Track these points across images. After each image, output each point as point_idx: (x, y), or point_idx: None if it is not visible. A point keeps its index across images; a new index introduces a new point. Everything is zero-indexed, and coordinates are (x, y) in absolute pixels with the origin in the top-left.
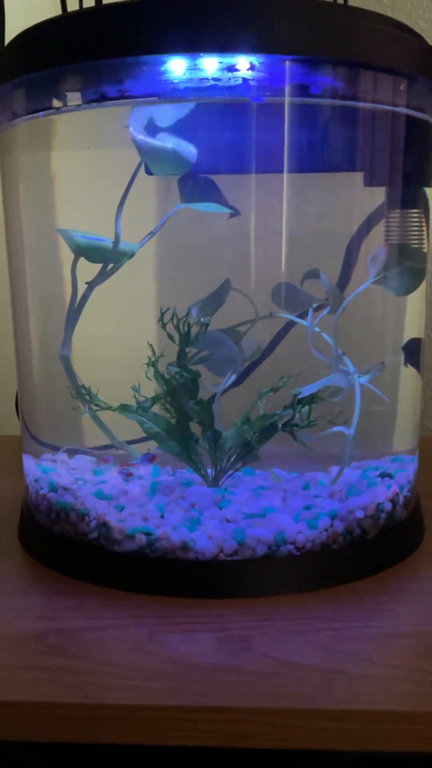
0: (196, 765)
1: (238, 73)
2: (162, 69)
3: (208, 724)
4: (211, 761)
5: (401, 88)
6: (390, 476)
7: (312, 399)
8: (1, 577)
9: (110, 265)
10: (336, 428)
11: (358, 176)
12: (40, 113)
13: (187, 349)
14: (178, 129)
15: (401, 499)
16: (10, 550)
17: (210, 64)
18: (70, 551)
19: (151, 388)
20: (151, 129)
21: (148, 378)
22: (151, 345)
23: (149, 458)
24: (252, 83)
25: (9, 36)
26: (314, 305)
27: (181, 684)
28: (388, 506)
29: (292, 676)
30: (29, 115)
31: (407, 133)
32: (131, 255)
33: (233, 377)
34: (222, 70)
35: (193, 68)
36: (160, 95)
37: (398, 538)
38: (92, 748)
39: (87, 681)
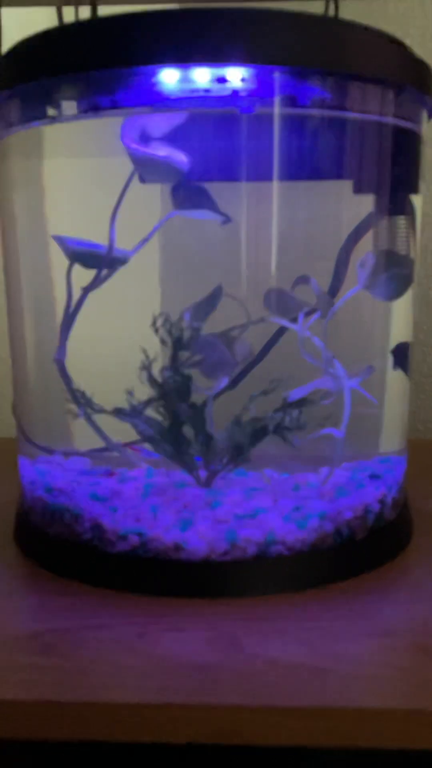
0: (188, 763)
1: (228, 84)
2: (154, 80)
3: (198, 722)
4: (201, 759)
5: (389, 98)
6: (378, 477)
7: (302, 402)
8: None
9: (104, 271)
10: (326, 430)
11: (347, 184)
12: (35, 122)
13: (180, 353)
14: (170, 138)
15: (389, 499)
16: (6, 551)
17: (201, 76)
18: (64, 552)
19: (145, 392)
20: (144, 138)
21: (142, 382)
22: (144, 349)
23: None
24: (242, 94)
25: (5, 46)
26: (305, 310)
27: (171, 682)
28: (377, 507)
29: (280, 674)
30: (24, 124)
31: (395, 142)
32: (125, 261)
33: (226, 381)
34: (212, 81)
35: (184, 79)
36: (152, 105)
37: (386, 539)
38: (85, 747)
39: (79, 680)
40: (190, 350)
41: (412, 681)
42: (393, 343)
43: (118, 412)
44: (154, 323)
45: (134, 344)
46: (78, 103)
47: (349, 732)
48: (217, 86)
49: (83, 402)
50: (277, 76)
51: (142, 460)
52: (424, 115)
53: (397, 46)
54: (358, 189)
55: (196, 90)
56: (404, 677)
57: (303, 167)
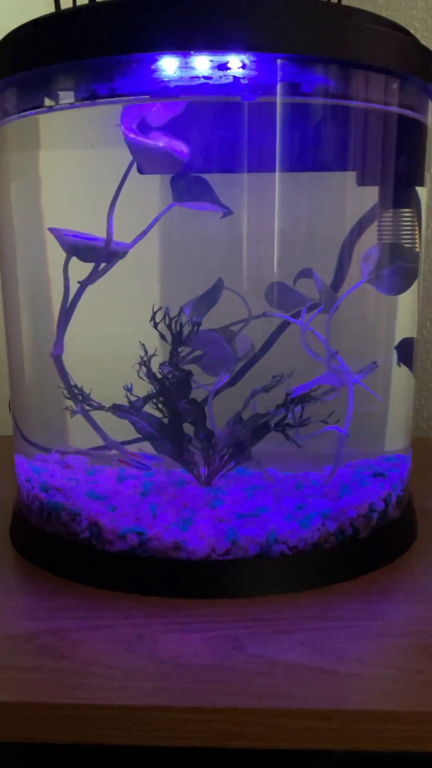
0: (187, 765)
1: (229, 71)
2: (153, 67)
3: (197, 724)
4: (201, 761)
5: (393, 87)
6: (382, 476)
7: (304, 398)
8: None
9: (102, 265)
10: (328, 428)
11: (351, 175)
12: (31, 112)
13: (180, 349)
14: (169, 127)
15: (393, 498)
16: (2, 550)
17: (201, 63)
18: (61, 551)
19: (144, 388)
20: (143, 127)
21: (141, 378)
22: (143, 344)
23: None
24: (243, 81)
25: (1, 34)
26: (307, 305)
27: (171, 684)
28: (380, 506)
29: (282, 675)
30: (20, 114)
31: (399, 132)
32: (123, 254)
33: (226, 377)
34: (213, 68)
35: (184, 66)
36: (151, 93)
37: (390, 538)
38: (83, 749)
39: (77, 681)
40: (190, 345)
41: (416, 682)
42: (397, 338)
43: (116, 409)
44: (153, 318)
45: (133, 339)
46: (75, 92)
47: (353, 734)
48: (218, 74)
49: (81, 398)
50: (279, 63)
51: (142, 462)
52: (430, 104)
53: (401, 34)
54: (362, 181)
55: (197, 77)
56: (408, 678)
57: (305, 158)
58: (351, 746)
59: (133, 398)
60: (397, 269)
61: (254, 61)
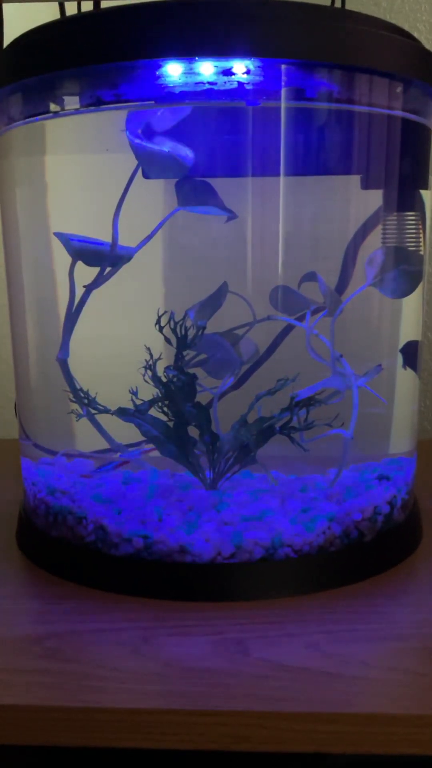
0: None
1: (233, 77)
2: (158, 73)
3: (203, 727)
4: (206, 764)
5: (397, 91)
6: (387, 478)
7: (309, 401)
8: None
9: (107, 269)
10: (333, 431)
11: (355, 179)
12: (37, 118)
13: (185, 352)
14: (174, 133)
15: (399, 501)
16: (8, 553)
17: (206, 69)
18: (67, 554)
19: (149, 392)
20: (148, 133)
21: (146, 381)
22: (148, 348)
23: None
24: (248, 87)
25: (7, 40)
26: (312, 308)
27: (176, 687)
28: (386, 509)
29: (287, 679)
30: (26, 120)
31: (403, 136)
32: (128, 258)
33: (231, 380)
34: (218, 74)
35: (189, 72)
36: (156, 99)
37: (395, 541)
38: (88, 752)
39: (83, 684)
40: (195, 349)
41: (421, 685)
42: (402, 341)
43: (121, 412)
44: (158, 322)
45: (138, 343)
46: (80, 98)
47: (357, 737)
48: (222, 79)
49: (86, 402)
50: (283, 68)
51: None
52: None
53: (405, 38)
54: (367, 184)
55: (201, 83)
56: (413, 681)
57: (310, 162)
58: (356, 749)
59: (138, 402)
60: (402, 272)
61: (258, 67)
